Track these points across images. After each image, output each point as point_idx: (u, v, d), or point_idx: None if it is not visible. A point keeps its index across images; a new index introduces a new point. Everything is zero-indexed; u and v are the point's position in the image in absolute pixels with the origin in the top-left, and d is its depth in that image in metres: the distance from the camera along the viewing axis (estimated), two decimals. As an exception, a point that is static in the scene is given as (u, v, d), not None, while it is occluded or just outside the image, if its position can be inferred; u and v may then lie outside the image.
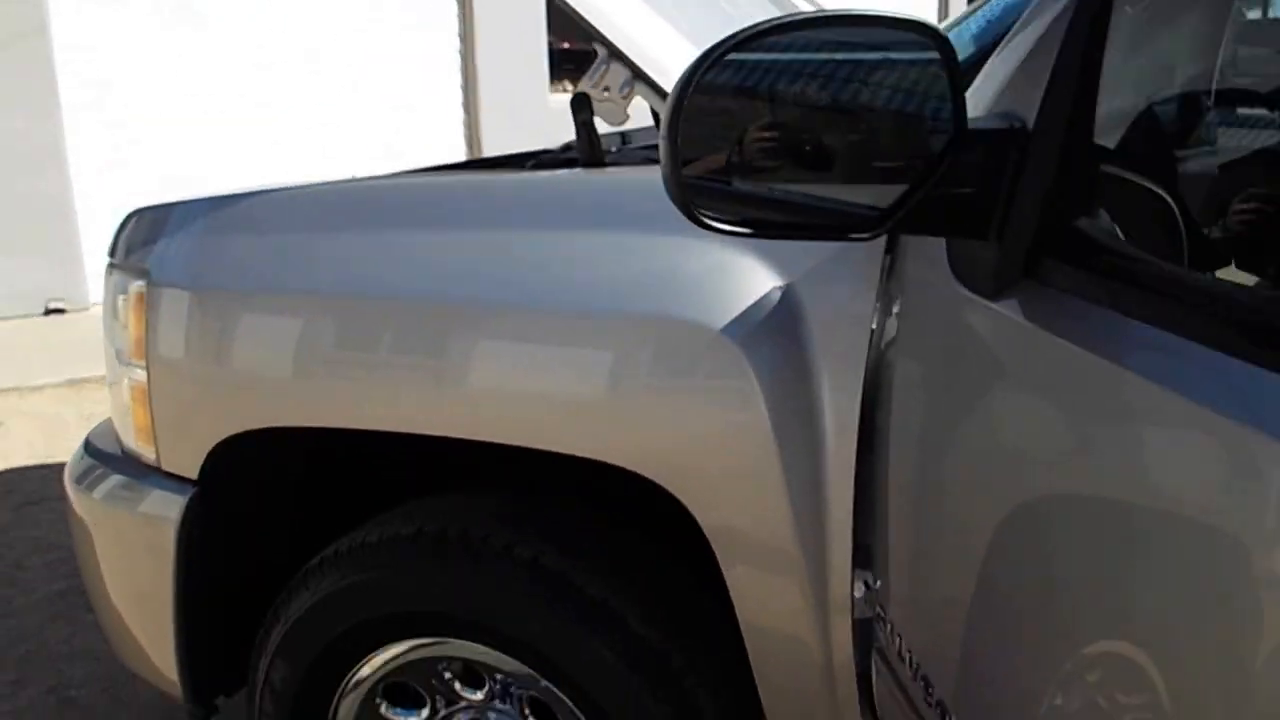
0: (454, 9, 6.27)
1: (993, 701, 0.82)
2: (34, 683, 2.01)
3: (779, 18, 0.76)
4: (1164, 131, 0.90)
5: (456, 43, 6.34)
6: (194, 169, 5.02)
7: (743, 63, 0.75)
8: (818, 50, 0.78)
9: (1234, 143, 0.95)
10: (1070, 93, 0.78)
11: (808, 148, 0.76)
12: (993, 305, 0.79)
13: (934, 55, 0.77)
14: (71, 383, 3.83)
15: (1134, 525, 0.66)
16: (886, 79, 0.77)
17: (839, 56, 0.78)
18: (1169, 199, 0.85)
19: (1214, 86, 0.97)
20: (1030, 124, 0.78)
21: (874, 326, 0.99)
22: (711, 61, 0.72)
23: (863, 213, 0.76)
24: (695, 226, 0.76)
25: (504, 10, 6.27)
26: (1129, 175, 0.87)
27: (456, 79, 6.37)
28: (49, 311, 4.91)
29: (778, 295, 1.03)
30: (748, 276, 1.03)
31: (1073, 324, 0.73)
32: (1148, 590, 0.64)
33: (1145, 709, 0.63)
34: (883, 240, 1.00)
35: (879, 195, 0.76)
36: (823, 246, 1.01)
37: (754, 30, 0.75)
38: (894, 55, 0.78)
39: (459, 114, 6.42)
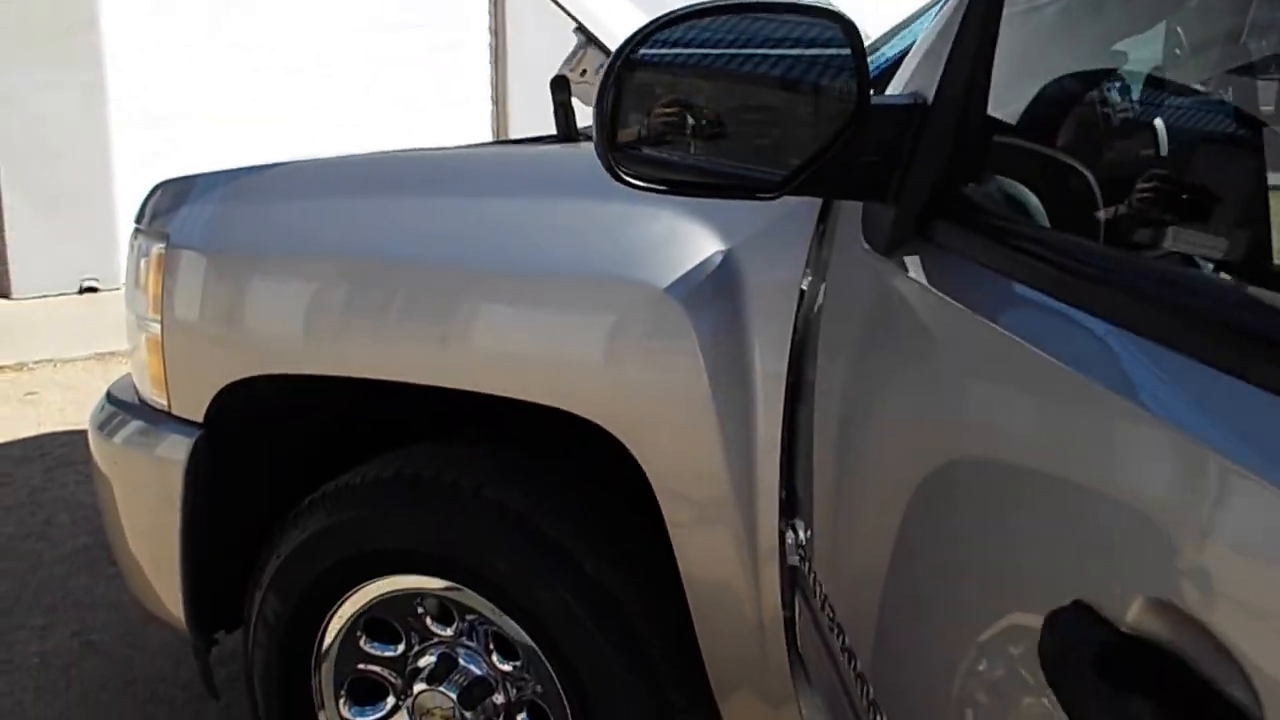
0: (485, 6, 6.45)
1: (895, 654, 0.85)
2: (60, 627, 2.16)
3: (702, 4, 0.86)
4: (1060, 109, 0.98)
5: (488, 37, 6.51)
6: (226, 165, 5.22)
7: (668, 43, 0.86)
8: (738, 33, 0.88)
9: (1130, 121, 1.03)
10: (964, 71, 0.87)
11: (724, 119, 0.86)
12: (888, 261, 0.88)
13: (841, 39, 0.87)
14: (100, 356, 4.03)
15: (1000, 481, 0.67)
16: (798, 60, 0.88)
17: (757, 39, 0.88)
18: (1062, 171, 0.94)
19: (1114, 66, 1.06)
20: (929, 100, 0.88)
21: (804, 288, 1.09)
22: (638, 41, 0.82)
23: (770, 176, 0.86)
24: (649, 196, 0.86)
25: (536, 8, 6.43)
26: (1024, 146, 0.95)
27: (486, 72, 6.55)
28: (84, 290, 5.14)
29: (719, 260, 1.13)
30: (693, 243, 1.14)
31: (954, 281, 0.82)
32: (1022, 549, 0.63)
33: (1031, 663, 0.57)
34: (816, 209, 1.10)
35: (787, 161, 0.87)
36: (763, 216, 1.11)
37: (678, 14, 0.85)
38: (806, 39, 0.88)
39: (488, 108, 6.60)
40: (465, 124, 6.43)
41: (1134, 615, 0.49)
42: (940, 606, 0.75)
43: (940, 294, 0.81)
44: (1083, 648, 0.49)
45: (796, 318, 1.09)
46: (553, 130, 1.72)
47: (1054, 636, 0.52)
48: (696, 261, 1.12)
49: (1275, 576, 0.43)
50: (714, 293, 1.13)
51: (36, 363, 4.05)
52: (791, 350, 1.09)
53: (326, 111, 5.85)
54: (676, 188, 0.86)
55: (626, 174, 0.83)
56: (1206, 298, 0.60)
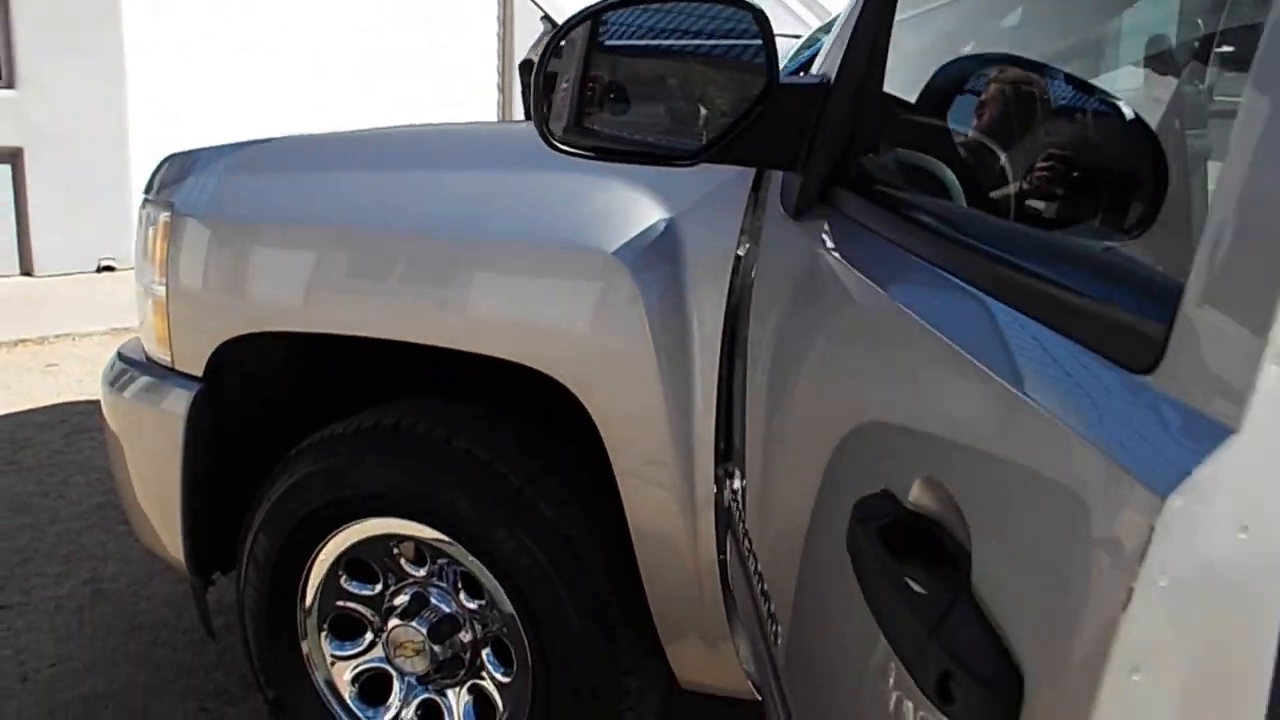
0: (487, 6, 6.57)
1: (801, 604, 0.89)
2: (74, 576, 2.30)
3: (637, -6, 0.97)
4: (957, 89, 1.09)
5: (496, 27, 6.64)
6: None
7: (605, 29, 0.97)
8: (666, 21, 1.00)
9: (1028, 98, 1.12)
10: (862, 53, 0.98)
11: (651, 96, 0.98)
12: (794, 223, 0.99)
13: (754, 29, 0.98)
14: (115, 330, 4.20)
15: (865, 430, 0.74)
16: (717, 46, 0.99)
17: (682, 27, 0.99)
18: (955, 149, 1.04)
19: (1013, 48, 1.16)
20: (832, 79, 0.99)
21: (740, 253, 1.20)
22: (570, 26, 0.94)
23: (689, 146, 0.97)
24: (603, 169, 0.96)
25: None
26: (921, 121, 1.05)
27: (486, 71, 6.67)
28: (101, 269, 5.32)
29: (663, 228, 1.24)
30: (641, 213, 1.25)
31: (846, 244, 0.92)
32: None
33: None
34: (749, 179, 1.21)
35: (704, 133, 0.98)
36: (704, 187, 1.23)
37: (614, 3, 0.97)
38: (724, 29, 0.99)
39: (492, 104, 6.73)
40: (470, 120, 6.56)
41: (914, 494, 0.60)
42: (827, 551, 0.79)
43: (835, 256, 0.92)
44: (870, 523, 0.60)
45: (733, 281, 1.21)
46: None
47: (853, 519, 0.63)
48: (643, 229, 1.23)
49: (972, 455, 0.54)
50: (659, 258, 1.24)
51: (56, 336, 4.23)
52: (727, 311, 1.21)
53: (329, 110, 6.00)
54: (604, 154, 0.97)
55: (559, 143, 0.95)
56: (1035, 257, 0.69)
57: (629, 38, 0.97)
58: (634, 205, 1.25)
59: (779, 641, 0.96)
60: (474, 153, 1.43)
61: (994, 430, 0.55)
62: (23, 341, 4.17)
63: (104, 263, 5.35)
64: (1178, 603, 0.39)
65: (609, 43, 0.97)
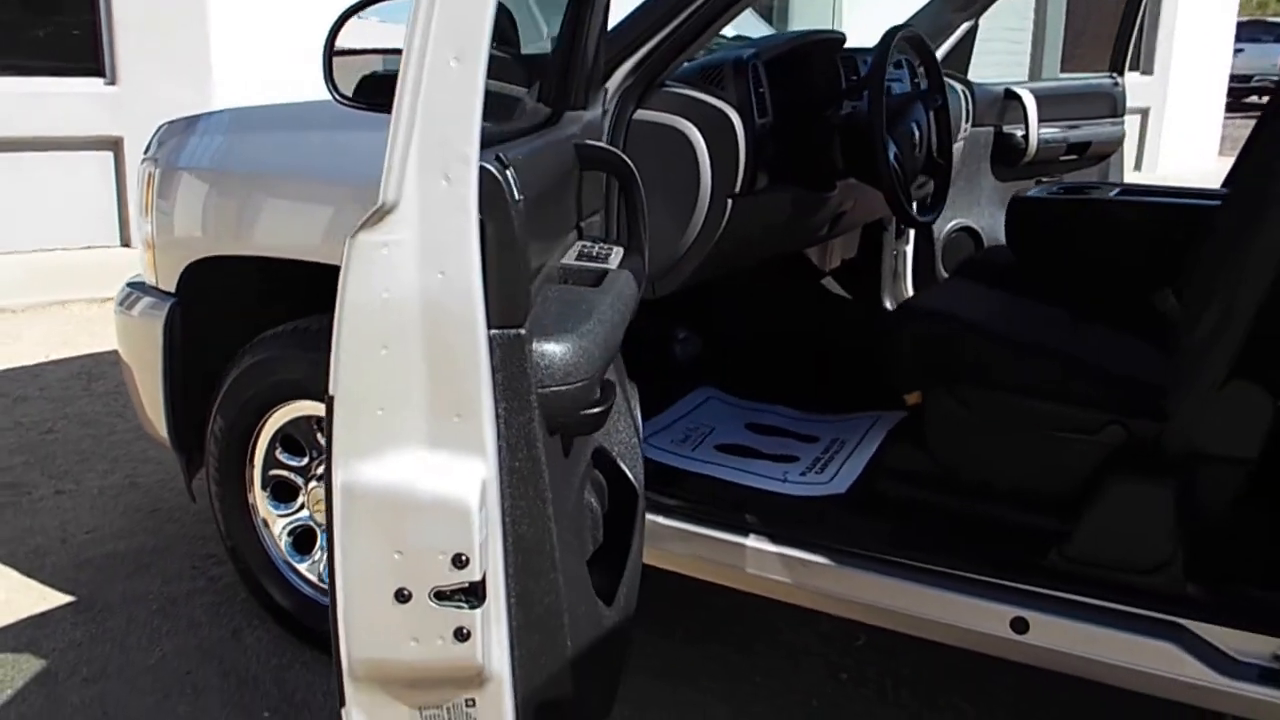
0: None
1: None
2: (118, 472, 2.86)
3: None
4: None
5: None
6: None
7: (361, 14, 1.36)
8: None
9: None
10: (571, 25, 1.32)
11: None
12: None
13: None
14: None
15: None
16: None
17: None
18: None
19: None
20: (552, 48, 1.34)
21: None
22: (345, 15, 1.32)
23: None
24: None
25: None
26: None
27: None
28: (125, 244, 6.02)
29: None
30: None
31: None
32: None
33: None
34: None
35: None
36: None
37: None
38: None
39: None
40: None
41: None
42: None
43: None
44: None
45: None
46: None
47: None
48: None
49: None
50: None
51: (96, 300, 4.90)
52: None
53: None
54: (372, 107, 1.35)
55: (339, 99, 1.34)
56: None
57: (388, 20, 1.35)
58: None
59: None
60: (328, 116, 1.85)
61: None
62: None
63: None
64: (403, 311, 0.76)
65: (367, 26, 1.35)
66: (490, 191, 0.93)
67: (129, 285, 2.23)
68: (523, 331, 0.96)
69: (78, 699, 1.89)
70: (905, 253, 3.02)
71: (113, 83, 5.85)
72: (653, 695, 1.91)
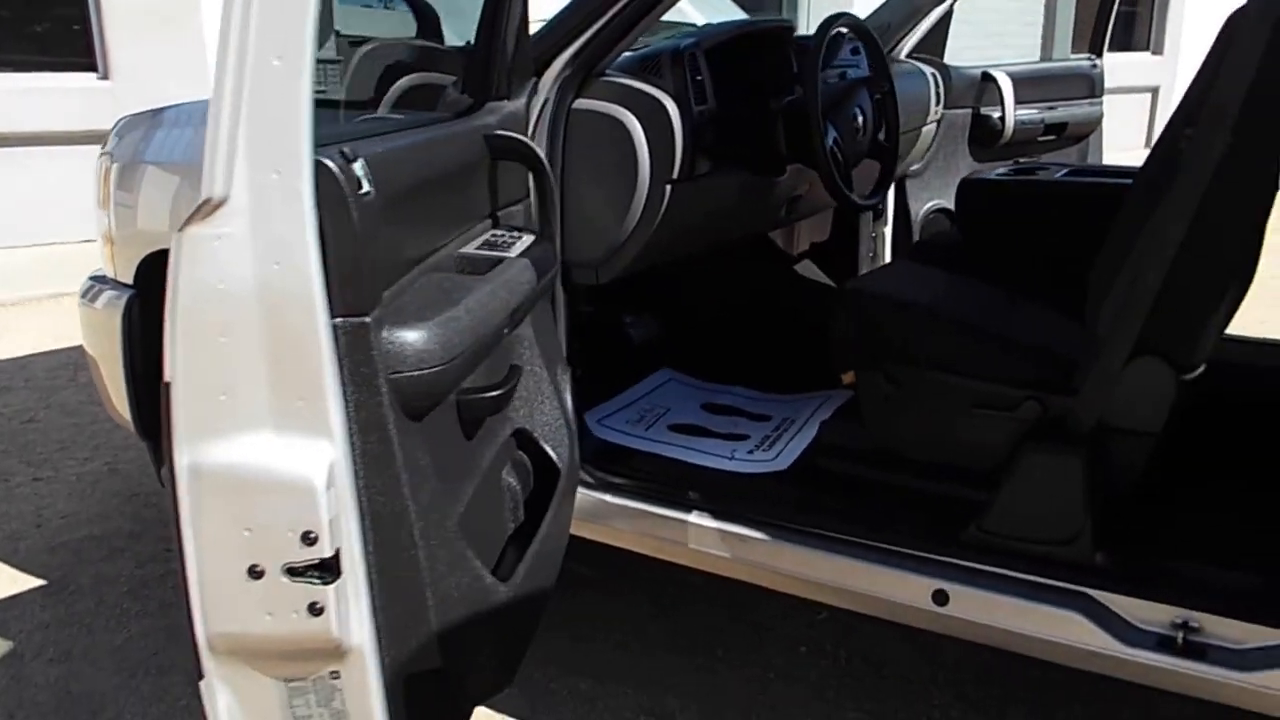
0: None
1: None
2: (98, 459, 2.92)
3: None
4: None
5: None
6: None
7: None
8: None
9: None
10: (490, 17, 1.35)
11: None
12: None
13: None
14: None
15: None
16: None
17: None
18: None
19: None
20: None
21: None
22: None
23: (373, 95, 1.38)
24: None
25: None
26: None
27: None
28: None
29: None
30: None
31: None
32: None
33: None
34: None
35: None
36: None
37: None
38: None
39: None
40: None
41: None
42: None
43: None
44: None
45: None
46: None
47: None
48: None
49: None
50: None
51: None
52: None
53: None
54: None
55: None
56: None
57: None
58: None
59: None
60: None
61: None
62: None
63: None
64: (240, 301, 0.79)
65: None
66: (327, 186, 0.95)
67: (91, 279, 2.28)
68: (368, 319, 0.98)
69: (42, 678, 1.95)
70: (884, 234, 3.03)
71: (106, 78, 5.91)
72: (613, 666, 1.95)
